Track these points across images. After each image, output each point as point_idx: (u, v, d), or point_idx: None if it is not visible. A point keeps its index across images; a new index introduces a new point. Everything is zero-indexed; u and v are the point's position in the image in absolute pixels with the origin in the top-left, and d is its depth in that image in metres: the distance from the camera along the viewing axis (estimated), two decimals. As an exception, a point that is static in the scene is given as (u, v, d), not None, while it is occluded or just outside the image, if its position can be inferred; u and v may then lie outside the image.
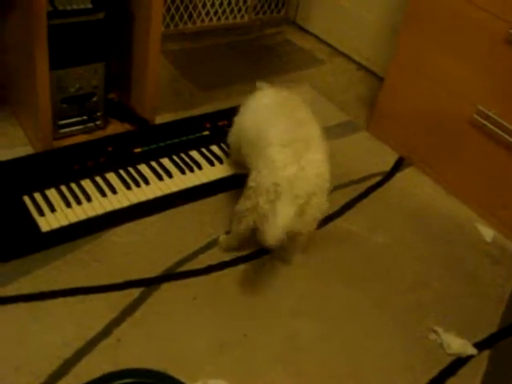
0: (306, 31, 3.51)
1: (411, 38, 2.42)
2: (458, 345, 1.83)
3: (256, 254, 2.00)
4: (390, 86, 2.58)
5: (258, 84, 2.12)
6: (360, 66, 3.23)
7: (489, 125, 2.20)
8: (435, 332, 1.86)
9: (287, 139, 1.75)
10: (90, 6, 2.08)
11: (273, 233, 1.62)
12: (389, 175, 2.49)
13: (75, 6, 2.05)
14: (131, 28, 2.33)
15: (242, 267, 1.95)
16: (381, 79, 3.03)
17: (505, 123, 2.15)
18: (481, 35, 2.17)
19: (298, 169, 1.69)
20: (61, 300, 1.74)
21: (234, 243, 1.96)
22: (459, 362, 1.80)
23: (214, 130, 2.46)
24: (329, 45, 3.39)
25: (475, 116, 2.23)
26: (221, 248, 1.98)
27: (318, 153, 1.76)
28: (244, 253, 1.99)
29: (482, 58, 2.19)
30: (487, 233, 2.29)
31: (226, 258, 1.97)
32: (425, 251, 2.16)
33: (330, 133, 2.63)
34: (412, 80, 2.46)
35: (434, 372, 1.76)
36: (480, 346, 1.85)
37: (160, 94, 2.48)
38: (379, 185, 2.43)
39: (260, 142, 1.81)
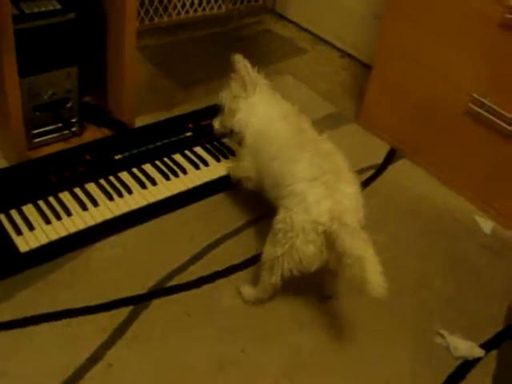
0: (286, 19, 3.40)
1: (396, 24, 2.32)
2: (465, 347, 1.77)
3: (250, 262, 1.91)
4: (378, 75, 2.49)
5: (237, 57, 1.93)
6: (343, 54, 3.14)
7: (484, 113, 2.12)
8: (441, 335, 1.80)
9: (314, 173, 1.63)
10: (58, 6, 1.97)
11: (380, 280, 1.49)
12: (381, 168, 2.41)
13: (43, 8, 1.94)
14: (104, 26, 2.22)
15: (236, 277, 1.86)
16: (366, 66, 2.98)
17: (501, 111, 2.07)
18: (474, 19, 2.08)
19: (334, 203, 1.56)
20: (45, 325, 1.64)
21: (264, 296, 1.77)
22: (467, 365, 1.74)
23: (198, 130, 2.34)
24: (310, 32, 3.29)
25: (470, 104, 2.15)
26: (246, 302, 1.79)
27: (351, 184, 1.65)
28: (237, 261, 1.90)
29: (475, 44, 2.10)
30: (486, 225, 2.22)
31: (219, 267, 1.88)
32: (424, 248, 2.09)
33: (317, 126, 2.54)
34: (401, 68, 2.37)
35: (443, 377, 1.69)
36: (487, 346, 1.79)
37: (138, 93, 2.36)
38: (372, 179, 2.34)
39: (285, 180, 1.67)
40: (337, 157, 1.73)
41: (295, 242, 1.57)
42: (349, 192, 1.61)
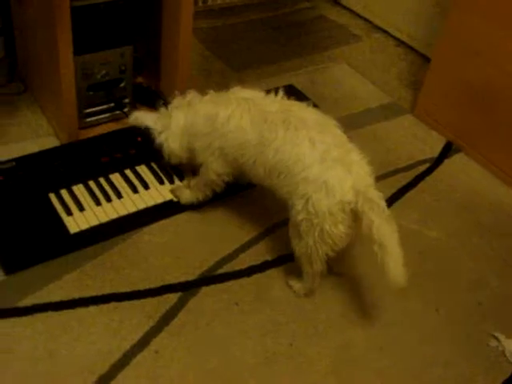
0: (341, 5, 3.32)
1: (463, 14, 2.22)
2: (522, 353, 1.70)
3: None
4: (438, 66, 2.40)
5: (135, 114, 1.91)
6: (399, 43, 3.04)
7: (550, 109, 2.02)
8: (496, 338, 1.73)
9: (321, 152, 1.57)
10: (116, -16, 1.93)
11: (400, 271, 1.49)
12: (437, 162, 2.32)
13: (100, -14, 1.90)
14: (160, 6, 2.17)
15: (286, 267, 1.82)
16: (422, 56, 2.89)
17: None
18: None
19: (354, 177, 1.54)
20: (93, 308, 1.63)
21: (313, 285, 1.73)
22: (523, 372, 1.67)
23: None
24: (365, 20, 3.20)
25: (534, 99, 2.06)
26: (299, 296, 1.75)
27: (357, 151, 1.61)
28: (288, 251, 1.84)
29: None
30: (543, 224, 2.13)
31: (269, 257, 1.84)
32: (480, 246, 2.01)
33: (372, 116, 2.51)
34: (463, 60, 2.27)
35: (496, 383, 1.62)
36: (545, 352, 1.72)
37: (190, 76, 2.32)
38: (427, 173, 2.27)
39: (290, 168, 1.59)
40: (330, 124, 1.66)
41: (324, 226, 1.54)
42: (359, 159, 1.59)
